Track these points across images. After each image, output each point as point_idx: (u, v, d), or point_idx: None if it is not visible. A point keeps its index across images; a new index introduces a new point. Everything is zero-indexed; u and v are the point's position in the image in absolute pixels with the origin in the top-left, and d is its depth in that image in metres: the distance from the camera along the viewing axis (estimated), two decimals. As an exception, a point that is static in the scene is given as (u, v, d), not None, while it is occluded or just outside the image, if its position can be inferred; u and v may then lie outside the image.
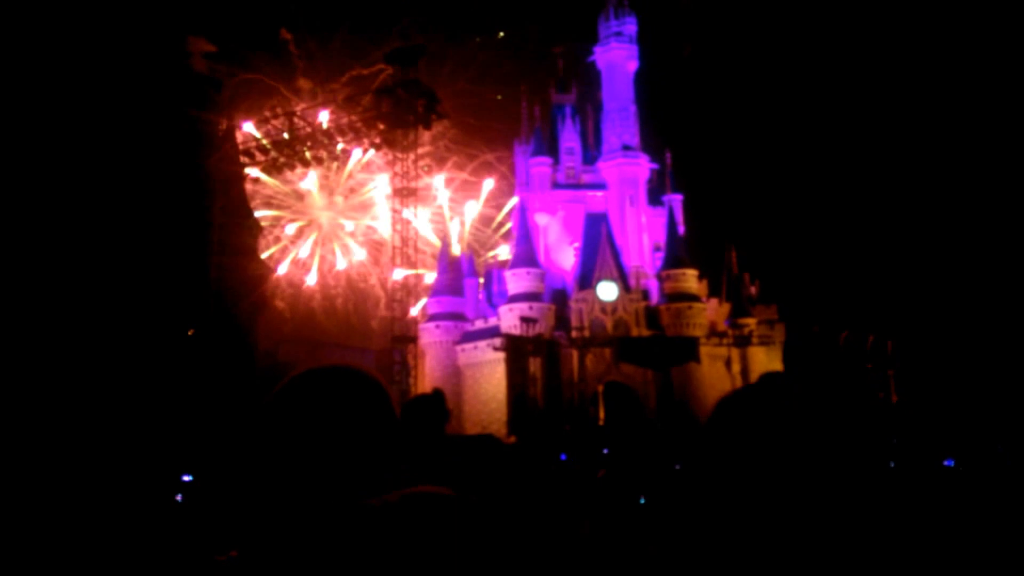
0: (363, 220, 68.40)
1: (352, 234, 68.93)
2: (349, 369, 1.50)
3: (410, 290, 39.96)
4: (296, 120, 32.16)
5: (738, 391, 2.17)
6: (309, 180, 63.59)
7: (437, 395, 4.35)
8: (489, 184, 70.60)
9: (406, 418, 4.08)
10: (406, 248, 41.18)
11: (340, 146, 31.48)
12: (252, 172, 40.02)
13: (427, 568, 0.97)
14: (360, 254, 68.09)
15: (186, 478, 9.00)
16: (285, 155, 31.72)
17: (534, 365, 47.68)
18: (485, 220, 71.52)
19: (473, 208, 70.83)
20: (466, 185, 71.48)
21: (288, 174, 45.59)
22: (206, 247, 17.15)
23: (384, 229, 64.97)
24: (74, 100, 13.90)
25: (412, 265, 41.63)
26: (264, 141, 31.65)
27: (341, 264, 68.73)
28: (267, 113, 52.04)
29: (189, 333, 15.84)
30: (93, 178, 13.98)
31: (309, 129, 31.49)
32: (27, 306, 12.72)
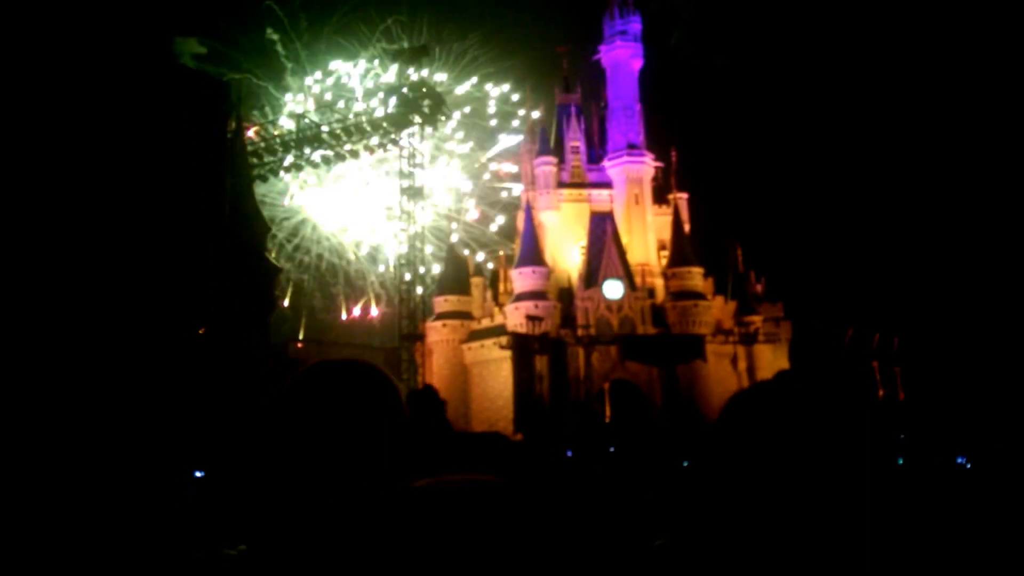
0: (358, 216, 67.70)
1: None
2: (358, 363, 1.51)
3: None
4: (305, 121, 32.23)
5: (751, 388, 2.20)
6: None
7: (428, 389, 4.49)
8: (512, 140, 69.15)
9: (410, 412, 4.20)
10: (412, 249, 41.17)
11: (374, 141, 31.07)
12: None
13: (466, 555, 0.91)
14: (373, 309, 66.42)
15: (198, 474, 9.06)
16: (293, 156, 31.78)
17: (540, 363, 47.70)
18: (489, 220, 71.47)
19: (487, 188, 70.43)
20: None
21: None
22: (216, 247, 17.24)
23: (381, 226, 64.73)
24: (83, 103, 14.00)
25: (416, 265, 41.59)
26: (271, 142, 31.78)
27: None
28: (259, 116, 52.20)
29: (200, 332, 15.93)
30: (103, 180, 14.06)
31: (315, 130, 31.56)
32: (40, 307, 12.81)
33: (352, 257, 67.54)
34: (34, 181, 13.24)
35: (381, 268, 65.50)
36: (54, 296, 13.13)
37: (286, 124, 33.47)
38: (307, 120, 32.45)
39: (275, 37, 61.76)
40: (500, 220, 70.66)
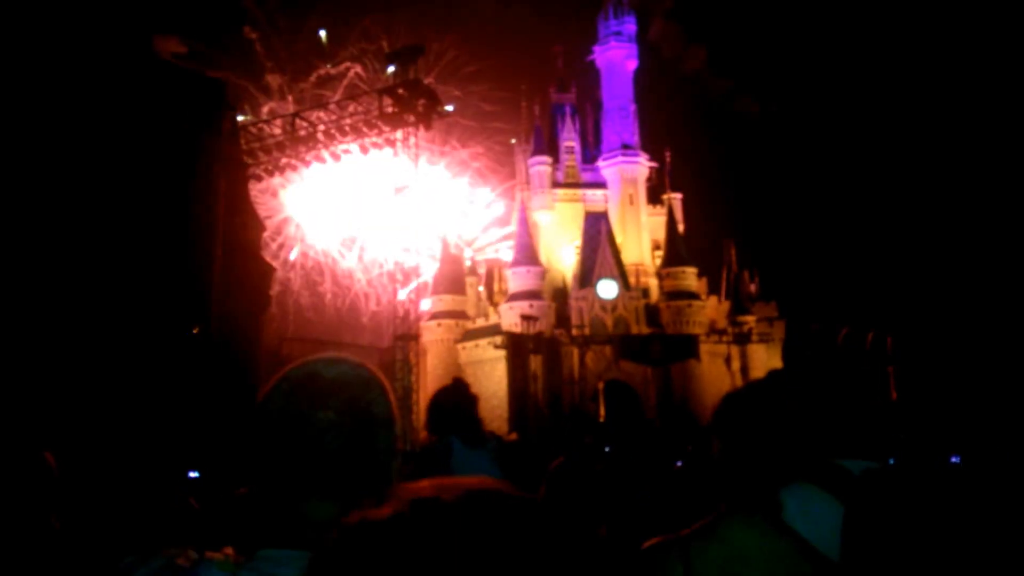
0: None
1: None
2: (346, 361, 1.51)
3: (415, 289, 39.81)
4: (298, 121, 32.13)
5: (744, 387, 2.21)
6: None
7: (458, 383, 4.51)
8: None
9: (440, 407, 4.24)
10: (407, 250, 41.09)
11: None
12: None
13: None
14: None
15: (192, 475, 9.06)
16: (287, 156, 31.68)
17: (535, 363, 47.73)
18: (483, 219, 71.36)
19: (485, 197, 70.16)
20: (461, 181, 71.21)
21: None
22: (210, 246, 17.22)
23: (369, 225, 64.36)
24: (75, 99, 13.98)
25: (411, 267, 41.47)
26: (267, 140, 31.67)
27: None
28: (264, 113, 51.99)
29: (194, 331, 15.90)
30: (96, 177, 14.04)
31: (310, 130, 31.45)
32: (30, 307, 12.78)
33: (339, 255, 67.19)
34: (25, 180, 13.23)
35: (371, 266, 65.27)
36: (46, 297, 13.12)
37: (278, 123, 33.38)
38: (300, 119, 32.36)
39: (253, 36, 61.50)
40: (494, 219, 70.59)
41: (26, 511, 2.75)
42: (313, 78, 62.95)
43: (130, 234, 13.79)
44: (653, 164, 60.91)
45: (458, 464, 3.99)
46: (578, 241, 57.37)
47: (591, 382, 50.30)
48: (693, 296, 54.78)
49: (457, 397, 4.38)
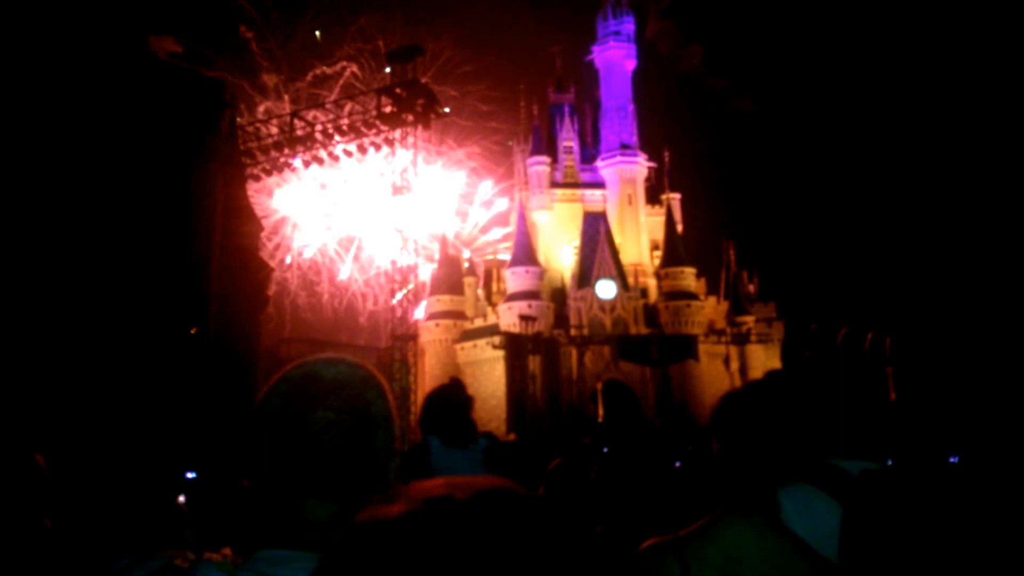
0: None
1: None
2: (345, 361, 1.51)
3: (415, 290, 39.77)
4: (295, 121, 32.06)
5: (743, 388, 2.21)
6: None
7: (455, 383, 4.49)
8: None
9: (431, 406, 4.21)
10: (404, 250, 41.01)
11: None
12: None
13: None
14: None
15: (190, 475, 9.04)
16: (285, 156, 31.63)
17: (533, 363, 47.67)
18: (481, 220, 71.34)
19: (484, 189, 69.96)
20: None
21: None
22: (208, 246, 17.22)
23: (365, 225, 64.23)
24: (73, 100, 13.98)
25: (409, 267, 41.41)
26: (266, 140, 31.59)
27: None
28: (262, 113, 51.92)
29: (192, 332, 15.90)
30: (95, 177, 14.03)
31: (308, 130, 31.38)
32: (27, 307, 12.77)
33: (336, 256, 67.07)
34: (23, 181, 13.23)
35: (368, 266, 65.21)
36: (43, 297, 13.10)
37: (276, 123, 33.32)
38: (298, 119, 32.30)
39: (249, 35, 61.43)
40: (493, 219, 70.59)
41: (17, 512, 2.74)
42: (309, 77, 62.94)
43: (128, 234, 13.78)
44: (652, 164, 60.90)
45: (437, 464, 3.94)
46: (577, 241, 57.34)
47: (590, 382, 50.27)
48: (692, 296, 54.76)
49: (450, 396, 4.33)
